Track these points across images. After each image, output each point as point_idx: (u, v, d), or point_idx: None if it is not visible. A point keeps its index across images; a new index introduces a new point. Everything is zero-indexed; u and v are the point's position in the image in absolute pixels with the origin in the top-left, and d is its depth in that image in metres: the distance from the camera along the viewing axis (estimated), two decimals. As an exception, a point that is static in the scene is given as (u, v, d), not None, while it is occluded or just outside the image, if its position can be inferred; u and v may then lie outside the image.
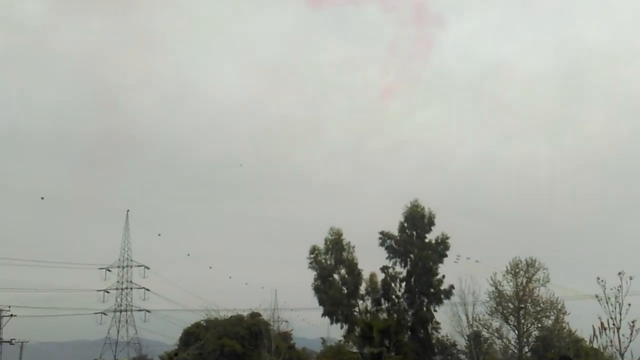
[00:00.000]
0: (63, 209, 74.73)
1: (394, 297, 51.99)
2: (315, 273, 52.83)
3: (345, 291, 52.45)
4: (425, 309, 51.42)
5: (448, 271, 51.83)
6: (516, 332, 47.17)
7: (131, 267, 73.35)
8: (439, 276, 51.14)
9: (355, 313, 52.24)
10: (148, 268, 72.66)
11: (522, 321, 46.98)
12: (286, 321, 63.90)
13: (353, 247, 53.74)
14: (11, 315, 57.66)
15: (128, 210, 75.03)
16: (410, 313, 51.72)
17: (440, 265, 51.47)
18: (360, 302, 52.94)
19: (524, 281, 47.40)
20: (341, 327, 52.97)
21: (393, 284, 52.23)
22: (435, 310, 51.35)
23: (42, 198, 64.29)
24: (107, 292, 72.26)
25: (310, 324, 74.88)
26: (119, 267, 73.03)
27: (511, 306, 47.24)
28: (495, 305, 47.72)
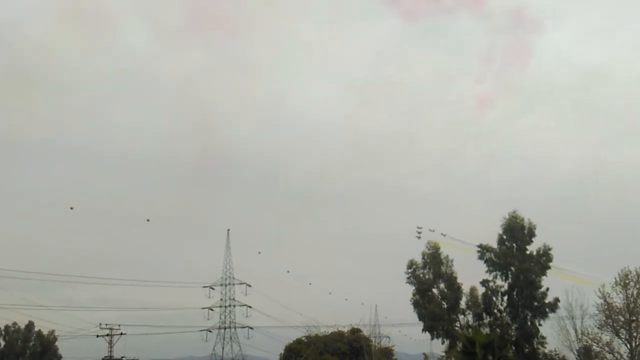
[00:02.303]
0: (167, 230, 77.55)
1: (495, 311, 50.75)
2: (414, 288, 52.33)
3: (445, 306, 51.70)
4: (529, 323, 49.95)
5: (552, 283, 50.53)
6: (628, 346, 44.93)
7: (233, 285, 75.20)
8: (543, 289, 49.43)
9: (457, 328, 51.30)
10: (250, 286, 74.26)
11: (634, 334, 44.75)
12: (387, 337, 63.66)
13: (452, 261, 53.02)
14: (121, 334, 60.31)
15: (229, 230, 77.08)
16: (513, 327, 50.32)
17: (543, 277, 50.04)
18: (461, 316, 52.03)
19: (635, 292, 45.25)
20: (442, 343, 52.30)
21: (494, 298, 51.02)
22: (540, 325, 49.82)
23: (148, 220, 67.39)
24: (212, 309, 74.36)
25: (412, 340, 74.14)
26: (221, 285, 75.02)
27: (622, 319, 45.01)
28: (604, 319, 45.75)
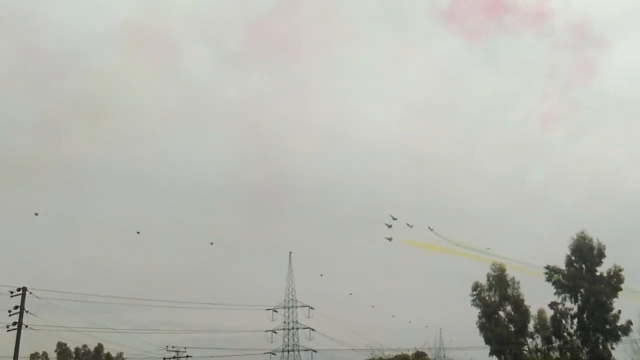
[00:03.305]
0: (230, 253, 78.39)
1: (565, 334, 49.55)
2: (479, 310, 51.52)
3: (513, 329, 50.67)
4: (601, 346, 48.57)
5: (624, 306, 48.97)
6: None
7: (296, 307, 75.32)
8: (614, 311, 48.09)
9: (525, 352, 50.16)
10: (312, 308, 74.23)
11: None
12: (452, 360, 62.58)
13: (518, 283, 52.09)
14: (187, 356, 60.99)
15: (291, 252, 77.47)
16: (584, 351, 48.93)
17: (614, 299, 48.79)
18: (529, 340, 50.99)
19: None
20: (510, 366, 51.56)
21: (564, 321, 49.89)
22: (612, 348, 48.38)
23: (212, 243, 68.66)
24: (275, 332, 74.61)
25: (478, 364, 72.81)
26: (284, 307, 75.30)
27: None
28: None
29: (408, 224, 58.44)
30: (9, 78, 76.02)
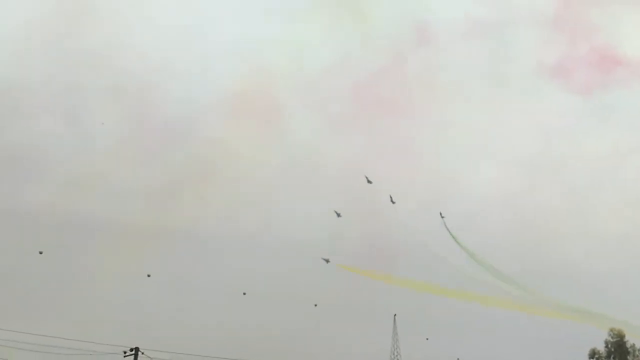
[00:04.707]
0: (334, 315, 78.23)
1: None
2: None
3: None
4: None
5: None
6: None
7: (401, 371, 73.94)
8: None
9: None
10: (418, 373, 72.72)
11: None
12: None
13: (639, 350, 49.12)
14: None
15: (395, 315, 76.40)
16: None
17: None
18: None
19: None
20: None
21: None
22: None
23: (316, 305, 69.05)
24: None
25: None
26: (390, 371, 73.96)
27: None
28: None
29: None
30: (124, 145, 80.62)
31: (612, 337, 49.21)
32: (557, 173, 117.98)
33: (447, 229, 64.90)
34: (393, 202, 63.92)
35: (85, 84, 77.40)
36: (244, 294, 67.21)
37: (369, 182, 64.87)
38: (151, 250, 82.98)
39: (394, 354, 73.57)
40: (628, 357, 49.00)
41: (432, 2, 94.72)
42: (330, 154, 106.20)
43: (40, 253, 61.16)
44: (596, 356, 48.97)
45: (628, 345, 48.89)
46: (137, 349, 41.76)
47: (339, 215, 64.91)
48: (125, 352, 41.83)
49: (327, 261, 66.39)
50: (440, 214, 64.22)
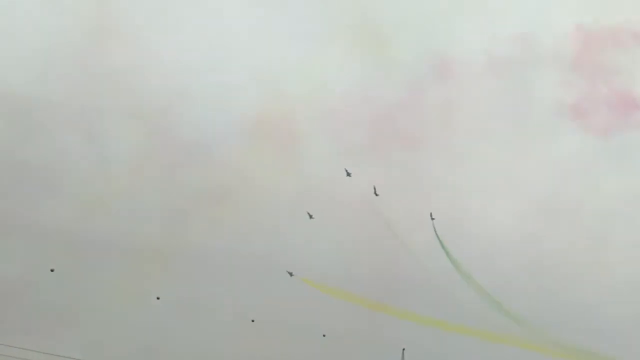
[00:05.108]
0: (343, 346, 77.84)
1: None
2: None
3: None
4: None
5: None
6: None
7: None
8: None
9: None
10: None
11: None
12: None
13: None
14: None
15: (404, 349, 75.67)
16: None
17: None
18: None
19: None
20: None
21: None
22: None
23: (324, 335, 68.66)
24: None
25: None
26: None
27: None
28: None
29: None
30: (141, 166, 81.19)
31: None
32: (573, 214, 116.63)
33: (436, 233, 65.52)
34: (376, 195, 64.54)
35: (105, 105, 78.23)
36: (253, 321, 66.95)
37: (348, 174, 65.27)
38: (162, 273, 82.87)
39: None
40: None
41: (453, 36, 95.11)
42: (345, 184, 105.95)
43: (52, 271, 61.63)
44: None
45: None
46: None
47: (311, 217, 65.65)
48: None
49: (291, 274, 66.77)
50: (431, 215, 64.92)
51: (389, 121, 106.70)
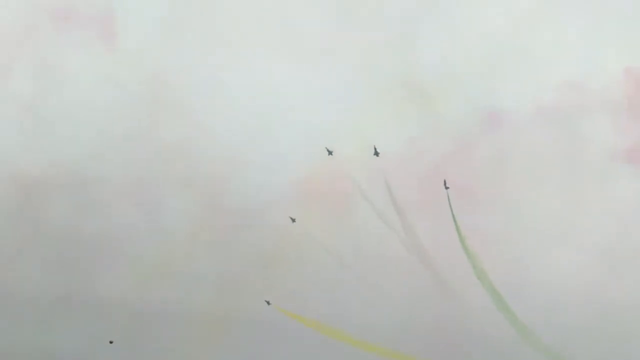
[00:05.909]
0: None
1: None
2: None
3: None
4: None
5: None
6: None
7: None
8: None
9: None
10: None
11: None
12: None
13: None
14: None
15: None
16: None
17: None
18: None
19: None
20: None
21: None
22: None
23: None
24: None
25: None
26: None
27: None
28: None
29: None
30: (195, 235, 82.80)
31: None
32: (636, 261, 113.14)
33: (450, 205, 63.48)
34: (377, 154, 62.87)
35: (159, 176, 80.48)
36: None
37: (329, 153, 64.34)
38: (219, 341, 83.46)
39: None
40: None
41: (500, 87, 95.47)
42: (397, 241, 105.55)
43: (111, 342, 62.46)
44: None
45: None
46: None
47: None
48: None
49: (269, 303, 66.18)
50: (445, 182, 62.68)
51: (438, 176, 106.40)
